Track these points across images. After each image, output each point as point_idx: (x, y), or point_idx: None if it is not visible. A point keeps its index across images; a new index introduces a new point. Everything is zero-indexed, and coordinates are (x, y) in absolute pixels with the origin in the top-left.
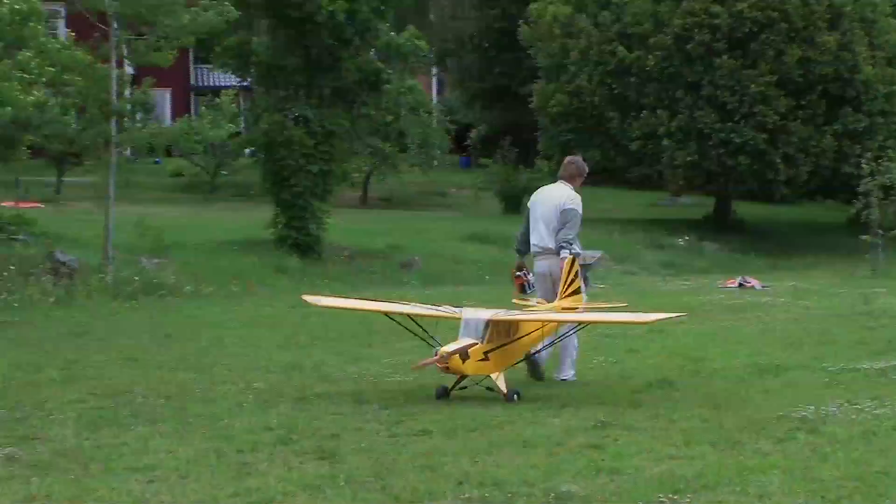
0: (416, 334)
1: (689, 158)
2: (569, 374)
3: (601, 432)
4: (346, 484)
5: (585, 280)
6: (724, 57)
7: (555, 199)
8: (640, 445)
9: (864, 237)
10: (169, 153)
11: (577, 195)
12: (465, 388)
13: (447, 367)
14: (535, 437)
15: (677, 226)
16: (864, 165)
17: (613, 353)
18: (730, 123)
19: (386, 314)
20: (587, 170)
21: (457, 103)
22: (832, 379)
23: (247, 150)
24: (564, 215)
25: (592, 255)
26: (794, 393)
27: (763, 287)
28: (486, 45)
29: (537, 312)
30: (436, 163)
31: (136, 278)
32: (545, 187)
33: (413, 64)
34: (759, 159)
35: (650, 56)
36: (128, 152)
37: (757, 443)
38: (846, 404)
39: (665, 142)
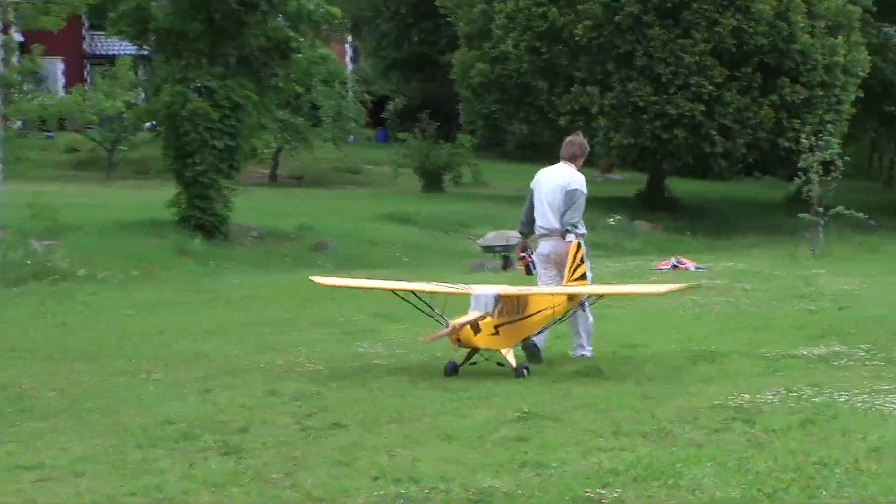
0: (425, 313)
1: (625, 141)
2: (587, 350)
3: (526, 424)
4: (254, 481)
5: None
6: (657, 27)
7: (558, 180)
8: (568, 437)
9: (803, 216)
10: (62, 127)
11: (581, 176)
12: (475, 363)
13: (459, 340)
14: (457, 429)
15: (608, 204)
16: (802, 140)
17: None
18: (664, 95)
19: (393, 292)
20: (588, 149)
21: (373, 74)
22: (770, 366)
23: (146, 124)
24: (569, 197)
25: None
26: (730, 381)
27: (698, 269)
28: (404, 11)
29: (548, 287)
30: (350, 138)
31: (27, 262)
32: (546, 168)
33: (325, 31)
34: (695, 132)
35: (578, 26)
36: (17, 125)
37: (690, 433)
38: (784, 392)
39: (599, 121)
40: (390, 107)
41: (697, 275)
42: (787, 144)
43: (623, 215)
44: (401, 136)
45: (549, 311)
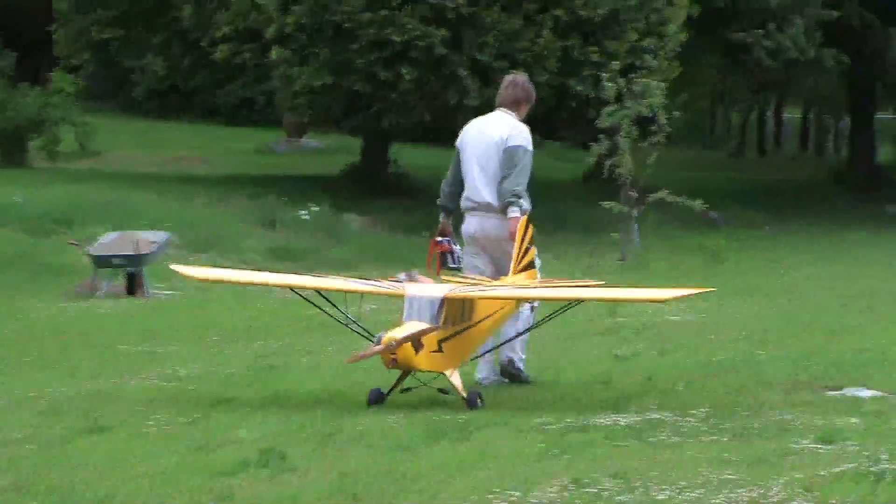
0: (331, 315)
1: (317, 83)
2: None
3: None
4: None
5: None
6: None
7: (493, 133)
8: None
9: (608, 204)
10: None
11: (524, 128)
12: (410, 389)
13: (395, 360)
14: None
15: (299, 187)
16: (605, 83)
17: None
18: (384, 11)
19: (290, 288)
20: (535, 93)
21: None
22: (552, 444)
23: None
24: (510, 156)
25: (155, 238)
26: (490, 468)
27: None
28: None
29: (506, 288)
30: None
31: None
32: (477, 120)
33: None
34: (434, 71)
35: None
36: None
37: None
38: (573, 487)
39: (276, 52)
40: None
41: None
42: (580, 89)
43: (324, 205)
44: None
45: (500, 315)
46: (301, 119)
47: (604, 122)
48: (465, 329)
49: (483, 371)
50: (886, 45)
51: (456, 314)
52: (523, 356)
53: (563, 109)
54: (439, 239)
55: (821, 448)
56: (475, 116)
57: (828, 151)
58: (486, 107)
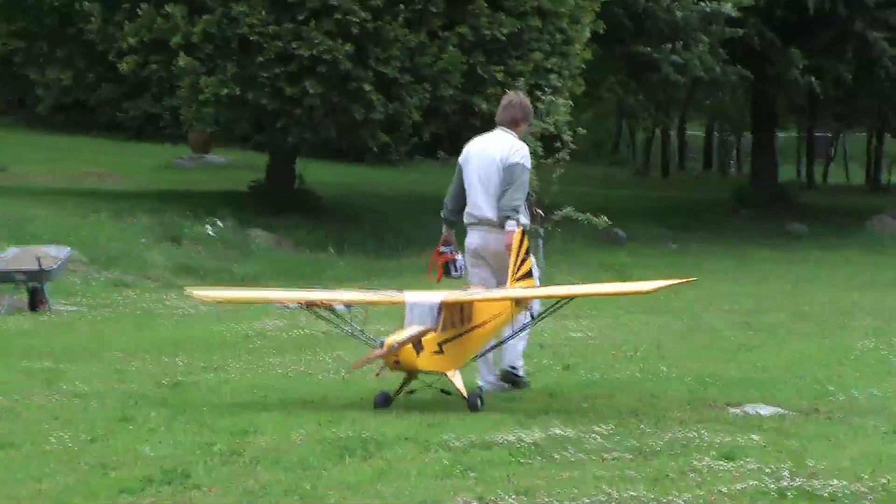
0: (340, 326)
1: (224, 92)
2: (521, 371)
3: None
4: None
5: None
6: None
7: (494, 151)
8: None
9: None
10: None
11: (524, 146)
12: (414, 391)
13: (397, 362)
14: None
15: (205, 202)
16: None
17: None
18: (290, 24)
19: (300, 303)
20: (532, 111)
21: None
22: (456, 461)
23: None
24: (510, 173)
25: (58, 253)
26: (393, 485)
27: (349, 308)
28: None
29: (505, 290)
30: None
31: None
32: (479, 138)
33: None
34: (339, 87)
35: None
36: None
37: None
38: None
39: (180, 59)
40: None
41: (346, 314)
42: (485, 106)
43: (230, 221)
44: None
45: (499, 319)
46: (206, 131)
47: None
48: (464, 332)
49: (486, 377)
50: (788, 64)
51: (455, 318)
52: (523, 362)
53: (467, 127)
54: (442, 249)
55: (722, 465)
56: (381, 132)
57: (731, 170)
58: (393, 123)
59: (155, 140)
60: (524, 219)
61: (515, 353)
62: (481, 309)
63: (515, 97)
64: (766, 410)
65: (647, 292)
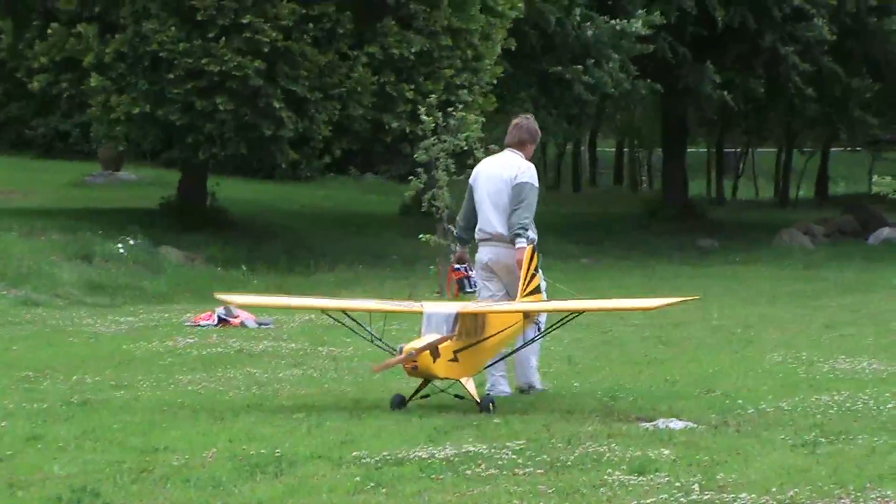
0: (359, 334)
1: (135, 109)
2: (536, 382)
3: None
4: None
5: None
6: None
7: (502, 172)
8: None
9: (426, 238)
10: None
11: (531, 166)
12: (428, 396)
13: (415, 367)
14: None
15: (115, 220)
16: (422, 117)
17: None
18: (200, 41)
19: (323, 311)
20: (540, 133)
21: None
22: (367, 477)
23: None
24: (518, 191)
25: None
26: (307, 503)
27: (261, 325)
28: None
29: (516, 303)
30: None
31: None
32: (489, 158)
33: None
34: (249, 103)
35: None
36: None
37: None
38: None
39: (92, 79)
40: None
41: (259, 332)
42: (395, 125)
43: (142, 238)
44: None
45: (511, 330)
46: (118, 149)
47: (420, 156)
48: (478, 342)
49: (498, 385)
50: (698, 79)
51: (469, 328)
52: (539, 376)
53: (378, 144)
54: (457, 266)
55: (633, 479)
56: (291, 149)
57: (642, 185)
58: (303, 139)
59: (65, 157)
60: (533, 234)
61: (530, 370)
62: (494, 321)
63: (523, 120)
64: (676, 424)
65: (653, 309)
